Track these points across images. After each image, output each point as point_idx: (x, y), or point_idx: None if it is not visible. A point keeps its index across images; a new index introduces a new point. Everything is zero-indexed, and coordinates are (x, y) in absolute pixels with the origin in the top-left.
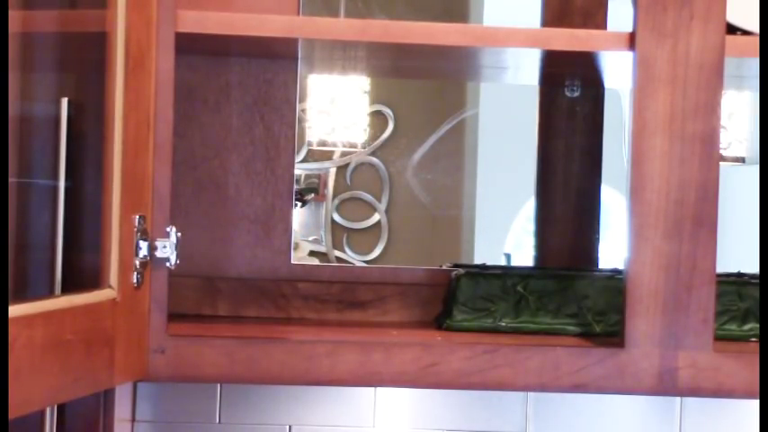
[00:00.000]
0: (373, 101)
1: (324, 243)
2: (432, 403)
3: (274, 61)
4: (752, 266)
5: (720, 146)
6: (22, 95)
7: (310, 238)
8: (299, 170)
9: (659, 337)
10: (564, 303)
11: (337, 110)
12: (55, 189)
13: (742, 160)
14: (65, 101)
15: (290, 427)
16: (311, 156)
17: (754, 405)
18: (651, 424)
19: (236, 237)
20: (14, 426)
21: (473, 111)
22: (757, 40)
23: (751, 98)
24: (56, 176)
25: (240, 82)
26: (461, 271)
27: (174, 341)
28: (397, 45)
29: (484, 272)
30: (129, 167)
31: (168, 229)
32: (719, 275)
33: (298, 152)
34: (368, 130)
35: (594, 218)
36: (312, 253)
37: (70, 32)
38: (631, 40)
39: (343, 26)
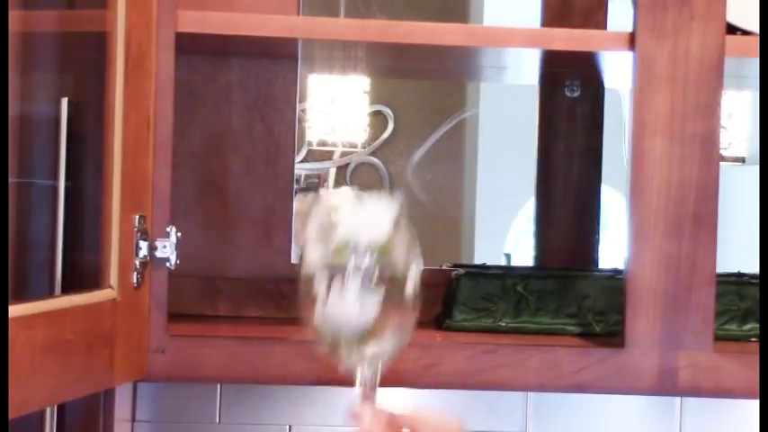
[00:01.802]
0: (373, 101)
1: None
2: (432, 403)
3: (274, 61)
4: (752, 266)
5: (720, 146)
6: (21, 95)
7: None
8: (299, 170)
9: (659, 337)
10: (564, 303)
11: (337, 110)
12: (55, 189)
13: (742, 160)
14: (65, 101)
15: (289, 427)
16: (311, 156)
17: (754, 405)
18: (651, 424)
19: (236, 237)
20: (14, 426)
21: (473, 111)
22: (757, 40)
23: (751, 98)
24: (56, 176)
25: (240, 82)
26: (461, 271)
27: (174, 341)
28: (397, 45)
29: (484, 272)
30: (129, 167)
31: (168, 229)
32: (719, 275)
33: (298, 152)
34: (368, 130)
35: (594, 218)
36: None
37: (70, 32)
38: (631, 40)
39: (343, 26)
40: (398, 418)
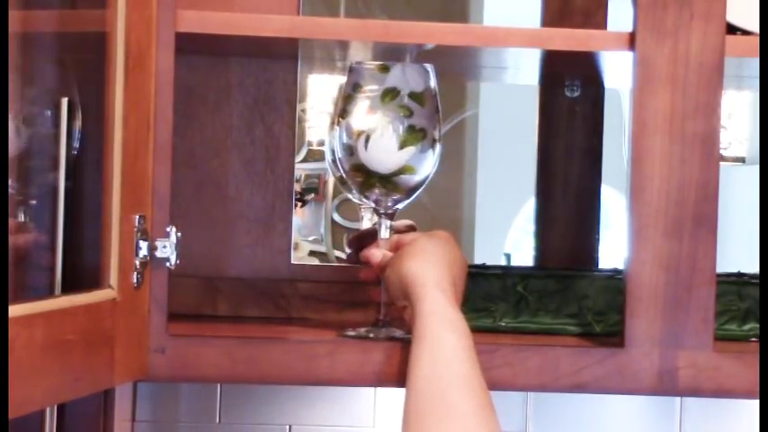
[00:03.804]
0: None
1: (324, 243)
2: None
3: (274, 61)
4: (752, 266)
5: (720, 146)
6: (22, 95)
7: (310, 238)
8: (299, 170)
9: (659, 337)
10: (564, 303)
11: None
12: (55, 189)
13: (742, 160)
14: (65, 101)
15: (289, 427)
16: (311, 156)
17: (754, 405)
18: (651, 424)
19: (236, 237)
20: (14, 426)
21: (473, 111)
22: (757, 40)
23: (751, 98)
24: (56, 177)
25: (240, 82)
26: None
27: (174, 341)
28: (397, 45)
29: (484, 272)
30: (129, 167)
31: (168, 229)
32: (719, 275)
33: (298, 152)
34: None
35: (594, 218)
36: (312, 253)
37: (70, 32)
38: (631, 40)
39: (343, 26)
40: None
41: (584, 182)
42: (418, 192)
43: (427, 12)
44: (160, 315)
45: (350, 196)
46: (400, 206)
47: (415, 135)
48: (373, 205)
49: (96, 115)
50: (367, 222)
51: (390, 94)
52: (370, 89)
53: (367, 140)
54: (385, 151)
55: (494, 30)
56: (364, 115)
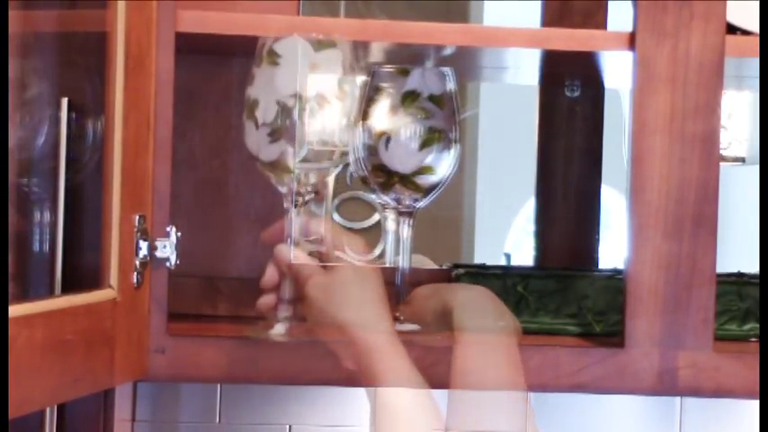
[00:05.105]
0: None
1: (324, 243)
2: None
3: None
4: (752, 266)
5: (720, 146)
6: (22, 95)
7: (310, 238)
8: (299, 170)
9: (659, 337)
10: (564, 303)
11: (337, 110)
12: (55, 189)
13: (742, 160)
14: (65, 101)
15: (290, 427)
16: (311, 156)
17: (754, 405)
18: (651, 424)
19: (236, 237)
20: (14, 426)
21: (473, 111)
22: (757, 40)
23: (751, 98)
24: (56, 176)
25: (240, 82)
26: (461, 271)
27: (174, 341)
28: (398, 45)
29: (484, 272)
30: (129, 167)
31: (168, 229)
32: (719, 275)
33: (298, 152)
34: None
35: (594, 218)
36: (312, 253)
37: (70, 32)
38: (631, 40)
39: (343, 26)
40: None
41: (584, 182)
42: (438, 191)
43: (427, 12)
44: (160, 315)
45: (373, 196)
46: (419, 205)
47: (433, 136)
48: (394, 204)
49: (96, 115)
50: (391, 223)
51: (410, 96)
52: (391, 91)
53: (388, 141)
54: (405, 152)
55: (494, 30)
56: (385, 117)
